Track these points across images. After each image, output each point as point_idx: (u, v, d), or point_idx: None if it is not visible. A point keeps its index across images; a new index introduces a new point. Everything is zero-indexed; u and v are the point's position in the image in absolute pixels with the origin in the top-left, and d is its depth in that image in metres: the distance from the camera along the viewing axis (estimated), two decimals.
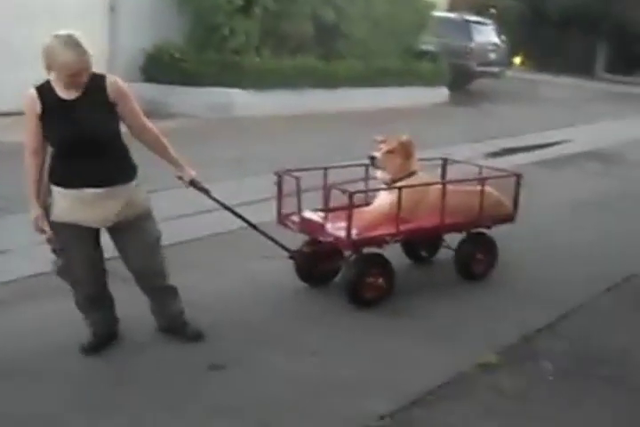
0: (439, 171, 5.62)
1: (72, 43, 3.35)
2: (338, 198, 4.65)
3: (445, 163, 5.64)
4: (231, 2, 11.61)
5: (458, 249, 5.15)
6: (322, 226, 4.56)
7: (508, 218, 5.24)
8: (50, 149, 3.57)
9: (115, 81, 3.58)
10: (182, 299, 4.07)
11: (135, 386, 3.57)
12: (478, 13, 20.52)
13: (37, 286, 4.58)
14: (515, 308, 4.80)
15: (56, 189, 3.58)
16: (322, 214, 4.72)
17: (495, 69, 18.08)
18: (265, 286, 4.87)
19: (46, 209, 3.60)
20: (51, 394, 3.45)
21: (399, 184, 4.67)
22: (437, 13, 16.57)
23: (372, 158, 4.80)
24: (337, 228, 4.54)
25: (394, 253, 4.94)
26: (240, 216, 4.35)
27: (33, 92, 3.50)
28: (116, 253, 3.84)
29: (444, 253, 5.37)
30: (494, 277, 5.26)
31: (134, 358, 3.83)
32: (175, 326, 4.08)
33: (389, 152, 4.77)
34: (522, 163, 9.20)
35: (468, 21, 17.93)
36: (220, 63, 11.68)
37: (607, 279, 5.41)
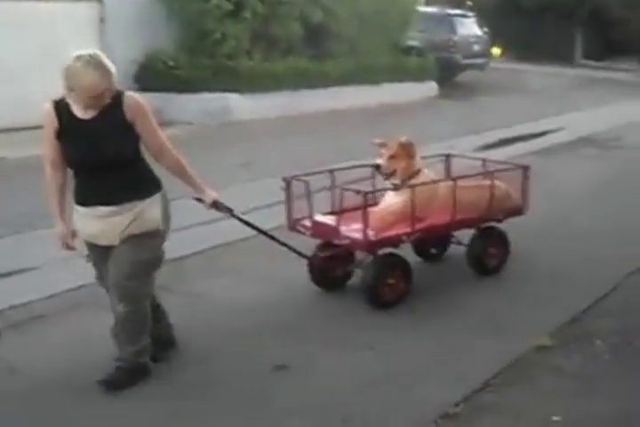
0: (442, 166, 5.59)
1: (95, 63, 3.22)
2: (345, 200, 4.60)
3: (448, 158, 5.61)
4: (220, 7, 11.62)
5: (470, 244, 5.10)
6: (336, 229, 4.50)
7: (518, 210, 5.22)
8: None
9: (132, 99, 3.41)
10: (219, 305, 3.88)
11: (205, 395, 3.51)
12: (457, 6, 20.65)
13: (80, 297, 4.58)
14: (550, 292, 4.83)
15: (75, 208, 3.54)
16: (333, 217, 4.65)
17: (480, 61, 18.22)
18: (295, 288, 4.83)
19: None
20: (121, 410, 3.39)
21: (410, 183, 4.65)
22: (419, 8, 16.67)
23: (378, 167, 4.80)
24: (351, 230, 4.51)
25: (403, 253, 4.82)
26: (261, 231, 4.27)
27: (50, 107, 3.39)
28: None
29: (453, 249, 5.33)
30: (520, 266, 5.24)
31: (196, 368, 3.76)
32: (118, 366, 3.55)
33: (392, 157, 4.75)
34: (520, 153, 9.24)
35: (450, 15, 18.07)
36: (214, 68, 11.69)
37: (634, 259, 5.47)
